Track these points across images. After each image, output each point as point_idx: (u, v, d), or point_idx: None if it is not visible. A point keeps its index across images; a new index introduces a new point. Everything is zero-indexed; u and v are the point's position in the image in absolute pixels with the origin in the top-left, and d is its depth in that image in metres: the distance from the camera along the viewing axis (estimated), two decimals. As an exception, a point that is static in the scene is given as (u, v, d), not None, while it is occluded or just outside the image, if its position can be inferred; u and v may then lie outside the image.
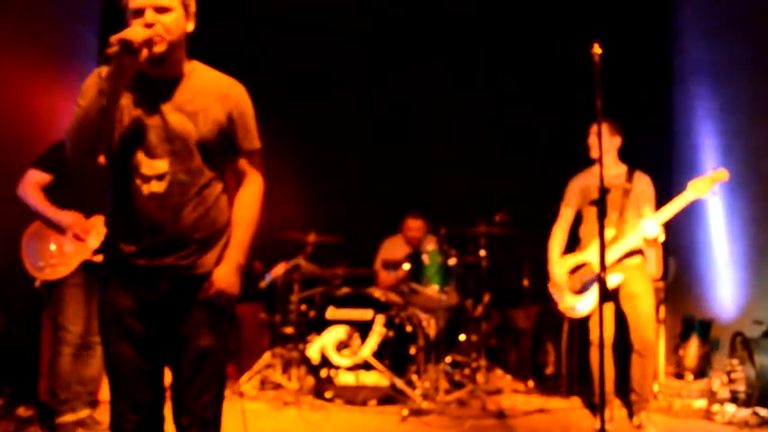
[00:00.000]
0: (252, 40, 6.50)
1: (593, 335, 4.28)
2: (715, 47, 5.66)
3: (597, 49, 2.92)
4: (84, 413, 3.92)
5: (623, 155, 4.40)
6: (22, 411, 4.17)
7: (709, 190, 4.02)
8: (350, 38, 6.54)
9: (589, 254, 4.30)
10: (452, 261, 5.27)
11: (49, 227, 3.89)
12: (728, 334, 4.86)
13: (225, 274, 2.35)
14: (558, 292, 4.39)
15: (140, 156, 2.26)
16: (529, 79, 6.50)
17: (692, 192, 4.05)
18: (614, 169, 4.34)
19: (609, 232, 4.20)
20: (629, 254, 4.22)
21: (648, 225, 4.08)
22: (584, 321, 4.41)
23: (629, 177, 4.35)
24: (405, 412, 4.50)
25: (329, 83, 6.66)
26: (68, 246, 3.88)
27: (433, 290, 5.24)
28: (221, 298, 2.34)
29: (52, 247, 3.90)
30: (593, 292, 4.18)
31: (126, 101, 2.26)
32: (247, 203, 2.45)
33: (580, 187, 4.43)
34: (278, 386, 5.18)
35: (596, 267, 4.09)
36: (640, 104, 5.84)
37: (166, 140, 2.26)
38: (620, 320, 4.28)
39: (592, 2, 6.27)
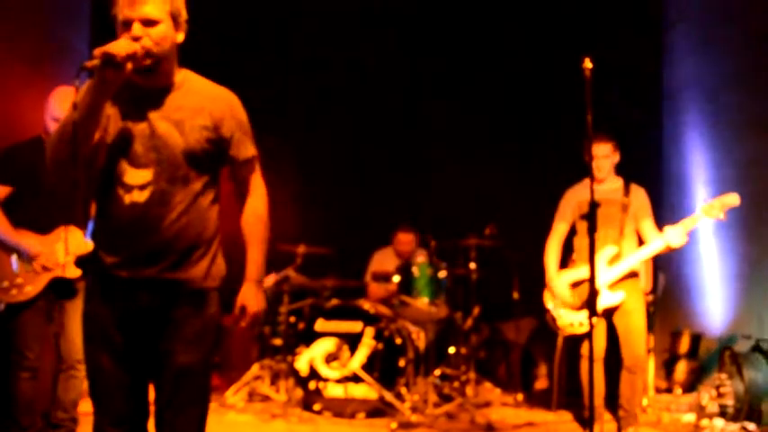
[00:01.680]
0: (246, 50, 6.51)
1: (585, 349, 4.25)
2: (704, 62, 5.71)
3: (588, 64, 2.93)
4: None
5: (618, 169, 4.38)
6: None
7: (720, 214, 3.97)
8: (344, 49, 6.56)
9: (588, 269, 4.29)
10: (442, 274, 5.26)
11: (6, 245, 3.57)
12: (717, 348, 4.87)
13: (252, 297, 2.38)
14: (556, 309, 4.32)
15: (124, 165, 2.21)
16: (519, 93, 6.53)
17: (702, 214, 3.99)
18: (611, 184, 4.31)
19: (610, 249, 4.18)
20: (629, 275, 4.19)
21: (673, 236, 4.02)
22: (576, 335, 4.38)
23: (626, 191, 4.29)
24: (393, 425, 4.48)
25: (321, 95, 6.67)
26: (35, 263, 3.60)
27: (422, 302, 5.22)
28: (256, 321, 2.40)
29: (15, 264, 3.59)
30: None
31: (113, 110, 2.22)
32: (257, 218, 2.43)
33: (576, 200, 4.37)
34: (266, 398, 5.15)
35: (599, 284, 4.09)
36: (630, 119, 5.87)
37: (152, 149, 2.21)
38: (611, 335, 4.26)
39: (583, 17, 6.31)
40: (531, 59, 6.42)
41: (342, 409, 4.85)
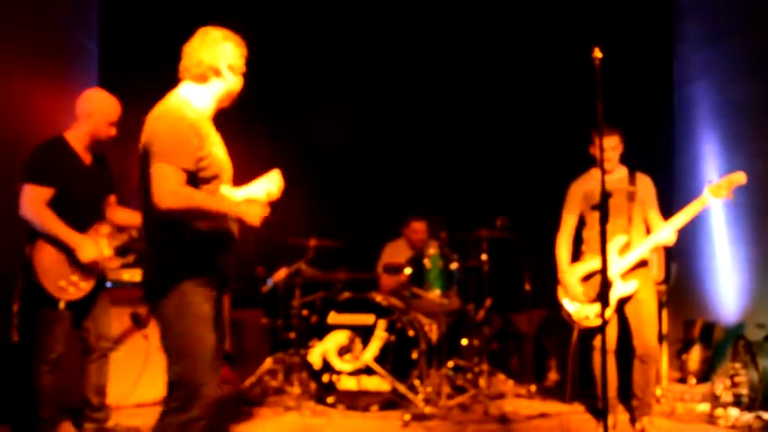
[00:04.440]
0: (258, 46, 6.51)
1: (597, 341, 4.26)
2: (716, 50, 5.67)
3: (598, 54, 2.91)
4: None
5: (623, 158, 4.37)
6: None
7: (727, 193, 3.94)
8: (354, 42, 6.56)
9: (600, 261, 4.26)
10: (454, 265, 5.26)
11: (59, 244, 3.69)
12: (731, 338, 4.85)
13: None
14: (571, 302, 4.31)
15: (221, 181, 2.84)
16: (530, 84, 6.51)
17: (709, 195, 3.97)
18: (617, 173, 4.32)
19: (620, 239, 4.17)
20: (641, 264, 4.18)
21: (665, 232, 4.06)
22: (591, 328, 4.33)
23: (632, 180, 4.30)
24: (407, 417, 4.49)
25: (330, 87, 6.67)
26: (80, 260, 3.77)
27: (434, 294, 5.23)
28: None
29: (68, 262, 3.72)
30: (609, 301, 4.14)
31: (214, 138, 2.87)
32: None
33: (582, 192, 4.38)
34: (280, 391, 5.17)
35: (611, 275, 4.12)
36: (641, 108, 5.85)
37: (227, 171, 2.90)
38: (623, 325, 4.26)
39: (593, 6, 6.28)
40: (542, 50, 6.39)
41: (355, 401, 4.87)
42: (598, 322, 4.18)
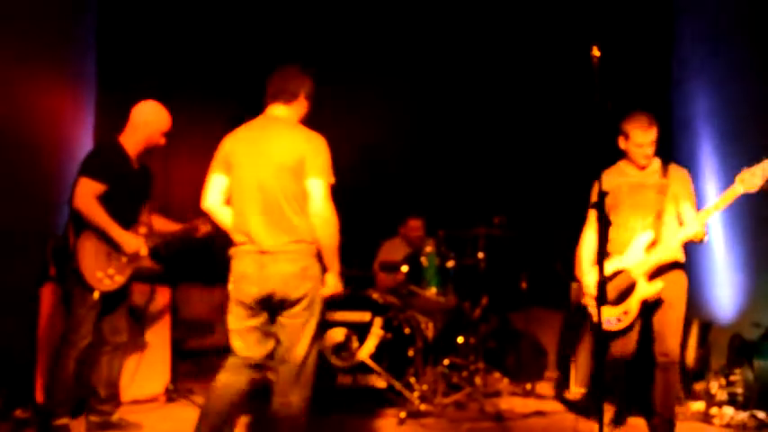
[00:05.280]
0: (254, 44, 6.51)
1: (616, 346, 3.93)
2: (714, 51, 5.67)
3: (596, 52, 2.91)
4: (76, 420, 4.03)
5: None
6: (19, 413, 4.21)
7: (761, 182, 3.59)
8: (349, 34, 6.56)
9: (625, 259, 3.89)
10: (450, 263, 5.27)
11: (102, 237, 3.90)
12: (727, 337, 4.86)
13: None
14: (592, 305, 3.92)
15: None
16: (528, 82, 6.51)
17: (740, 185, 3.63)
18: (649, 166, 3.98)
19: (646, 235, 3.84)
20: (672, 266, 3.86)
21: (692, 225, 3.71)
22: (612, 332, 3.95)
23: (664, 172, 3.94)
24: (402, 415, 4.49)
25: (327, 85, 6.65)
26: (123, 255, 3.98)
27: (431, 292, 5.23)
28: None
29: (108, 256, 3.95)
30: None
31: None
32: None
33: (608, 187, 3.78)
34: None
35: (636, 274, 3.83)
36: (639, 107, 5.84)
37: None
38: (644, 332, 3.97)
39: (592, 5, 6.28)
40: (541, 48, 6.39)
41: (351, 398, 4.86)
42: (620, 326, 3.86)
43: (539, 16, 6.46)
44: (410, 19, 6.67)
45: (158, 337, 5.00)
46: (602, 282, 3.00)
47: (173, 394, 4.93)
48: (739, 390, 4.56)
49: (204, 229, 4.30)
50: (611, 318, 3.87)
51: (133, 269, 4.05)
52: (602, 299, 3.00)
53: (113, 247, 3.94)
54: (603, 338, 3.92)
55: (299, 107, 3.41)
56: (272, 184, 3.16)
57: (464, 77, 6.68)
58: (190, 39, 6.38)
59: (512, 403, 5.03)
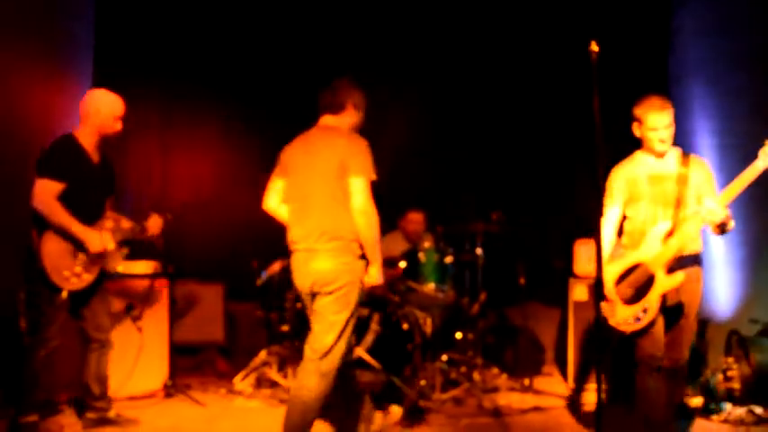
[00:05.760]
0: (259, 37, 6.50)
1: (642, 351, 3.59)
2: (712, 46, 5.66)
3: (594, 47, 2.90)
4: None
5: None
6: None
7: None
8: (349, 31, 6.55)
9: (641, 252, 3.62)
10: (449, 259, 5.27)
11: (65, 236, 3.85)
12: (724, 333, 4.87)
13: None
14: (607, 305, 3.64)
15: None
16: (526, 78, 6.50)
17: (763, 159, 3.38)
18: (668, 155, 3.74)
19: (663, 225, 3.59)
20: (692, 260, 3.64)
21: (709, 204, 3.42)
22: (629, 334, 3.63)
23: (684, 161, 3.69)
24: (401, 410, 4.49)
25: (325, 79, 6.65)
26: (89, 251, 3.93)
27: (429, 288, 5.23)
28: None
29: (73, 254, 3.90)
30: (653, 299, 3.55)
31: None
32: None
33: (625, 179, 3.78)
34: (274, 384, 5.17)
35: (654, 267, 3.55)
36: (636, 102, 5.84)
37: None
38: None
39: (590, 1, 6.26)
40: (540, 44, 6.38)
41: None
42: (638, 326, 3.55)
43: (536, 12, 6.45)
44: (406, 15, 6.65)
45: (156, 333, 5.00)
46: (599, 286, 2.96)
47: (171, 390, 4.94)
48: (737, 385, 4.57)
49: (153, 230, 4.28)
50: (629, 317, 3.57)
51: (102, 266, 4.00)
52: (599, 296, 2.97)
53: (77, 244, 3.88)
54: (623, 340, 3.64)
55: (348, 117, 3.74)
56: (318, 188, 3.52)
57: (464, 72, 6.67)
58: (186, 36, 6.37)
59: (510, 399, 5.03)
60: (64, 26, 5.39)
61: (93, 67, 5.85)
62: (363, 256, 3.53)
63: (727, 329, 4.86)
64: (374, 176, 3.54)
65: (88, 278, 3.93)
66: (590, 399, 4.88)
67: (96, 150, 4.07)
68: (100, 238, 3.93)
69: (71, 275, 3.87)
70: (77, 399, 4.22)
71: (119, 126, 4.09)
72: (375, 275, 3.54)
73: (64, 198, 3.83)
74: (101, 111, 4.00)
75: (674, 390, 3.69)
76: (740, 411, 4.41)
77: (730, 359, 4.65)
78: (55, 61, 5.12)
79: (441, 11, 6.62)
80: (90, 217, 3.95)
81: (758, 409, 4.38)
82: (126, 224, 4.21)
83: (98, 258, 3.96)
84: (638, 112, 3.71)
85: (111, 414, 4.18)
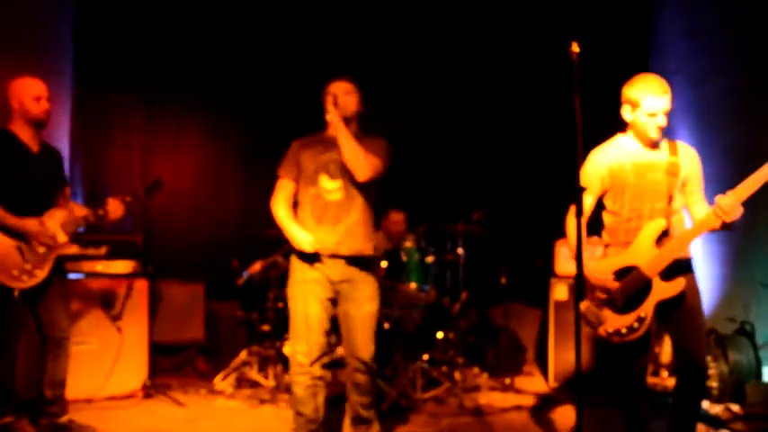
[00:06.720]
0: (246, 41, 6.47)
1: (638, 365, 3.34)
2: (692, 48, 5.71)
3: (575, 48, 2.90)
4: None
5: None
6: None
7: None
8: (335, 32, 6.54)
9: (632, 253, 3.24)
10: (430, 259, 5.27)
11: (7, 233, 3.71)
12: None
13: None
14: (594, 311, 3.26)
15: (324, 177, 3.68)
16: (506, 78, 6.52)
17: None
18: (658, 141, 3.34)
19: (658, 223, 3.23)
20: (687, 264, 3.31)
21: (729, 203, 3.07)
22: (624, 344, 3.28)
23: (673, 150, 3.31)
24: (381, 410, 4.49)
25: (314, 77, 6.63)
26: (38, 246, 3.79)
27: (411, 287, 5.23)
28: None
29: (19, 250, 3.74)
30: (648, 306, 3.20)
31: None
32: None
33: (607, 166, 3.36)
34: (255, 384, 5.15)
35: (650, 271, 3.18)
36: (617, 104, 5.87)
37: (341, 169, 3.66)
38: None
39: (571, 1, 6.30)
40: (519, 44, 6.40)
41: (330, 393, 4.85)
42: (633, 336, 3.21)
43: (516, 13, 6.47)
44: (390, 15, 6.65)
45: (136, 333, 4.96)
46: (579, 279, 2.80)
47: (150, 390, 4.90)
48: (714, 383, 4.62)
49: (114, 215, 4.02)
50: (622, 327, 3.21)
51: (54, 259, 3.84)
52: (579, 296, 2.85)
53: (23, 240, 3.75)
54: (618, 352, 3.33)
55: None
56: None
57: (445, 73, 6.67)
58: (168, 37, 6.32)
59: (491, 398, 5.05)
60: (44, 27, 5.33)
61: (72, 69, 5.80)
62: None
63: (705, 328, 4.90)
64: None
65: (41, 274, 3.77)
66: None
67: (34, 140, 3.92)
68: (40, 226, 3.78)
69: (22, 273, 3.71)
70: (32, 402, 4.05)
71: (44, 106, 3.90)
72: None
73: (6, 193, 3.72)
74: (21, 97, 3.86)
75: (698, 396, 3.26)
76: (718, 409, 4.45)
77: (708, 357, 4.69)
78: (34, 63, 5.05)
79: (421, 12, 6.63)
80: (37, 207, 3.81)
81: (735, 407, 4.43)
82: (80, 212, 4.00)
83: (50, 251, 3.81)
84: (632, 93, 3.32)
85: (64, 419, 4.00)
